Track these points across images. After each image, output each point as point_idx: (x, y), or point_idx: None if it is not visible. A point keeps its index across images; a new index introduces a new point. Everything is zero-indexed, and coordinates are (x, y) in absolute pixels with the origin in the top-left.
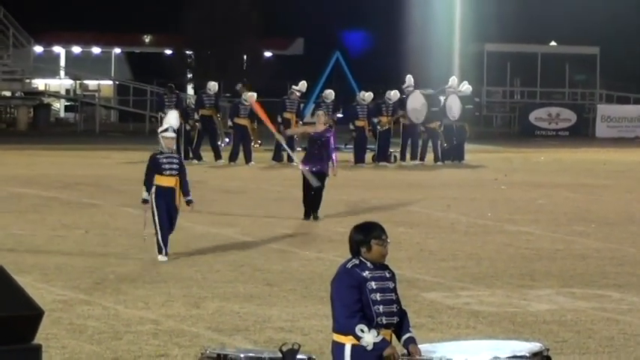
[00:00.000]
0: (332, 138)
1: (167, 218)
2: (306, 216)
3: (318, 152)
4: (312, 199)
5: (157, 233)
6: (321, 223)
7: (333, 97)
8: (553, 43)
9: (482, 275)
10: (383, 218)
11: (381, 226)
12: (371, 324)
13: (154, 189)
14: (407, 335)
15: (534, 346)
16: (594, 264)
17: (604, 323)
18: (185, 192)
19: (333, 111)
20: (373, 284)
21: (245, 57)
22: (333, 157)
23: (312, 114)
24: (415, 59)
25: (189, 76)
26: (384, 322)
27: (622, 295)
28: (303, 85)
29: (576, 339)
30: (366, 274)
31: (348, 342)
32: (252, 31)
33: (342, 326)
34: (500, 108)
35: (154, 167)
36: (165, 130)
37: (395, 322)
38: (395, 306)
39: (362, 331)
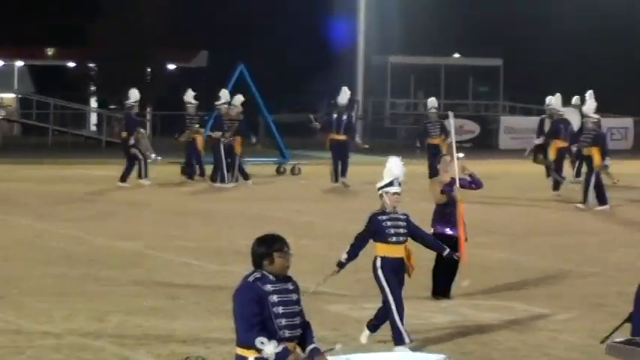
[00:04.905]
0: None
1: (401, 292)
2: (435, 293)
3: (449, 211)
4: (444, 274)
5: (394, 317)
6: (224, 235)
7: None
8: (456, 55)
9: None
10: (286, 230)
11: (283, 239)
12: (273, 337)
13: (379, 261)
14: (311, 346)
15: (438, 357)
16: (498, 275)
17: (508, 334)
18: (440, 249)
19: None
20: (275, 297)
21: (149, 69)
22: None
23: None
24: (320, 71)
25: (93, 88)
26: (287, 335)
27: (526, 306)
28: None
29: (481, 350)
30: (267, 287)
31: (251, 355)
32: (156, 44)
33: (243, 340)
34: (403, 120)
35: (376, 231)
36: (390, 184)
37: (298, 334)
38: (298, 318)
39: (262, 343)
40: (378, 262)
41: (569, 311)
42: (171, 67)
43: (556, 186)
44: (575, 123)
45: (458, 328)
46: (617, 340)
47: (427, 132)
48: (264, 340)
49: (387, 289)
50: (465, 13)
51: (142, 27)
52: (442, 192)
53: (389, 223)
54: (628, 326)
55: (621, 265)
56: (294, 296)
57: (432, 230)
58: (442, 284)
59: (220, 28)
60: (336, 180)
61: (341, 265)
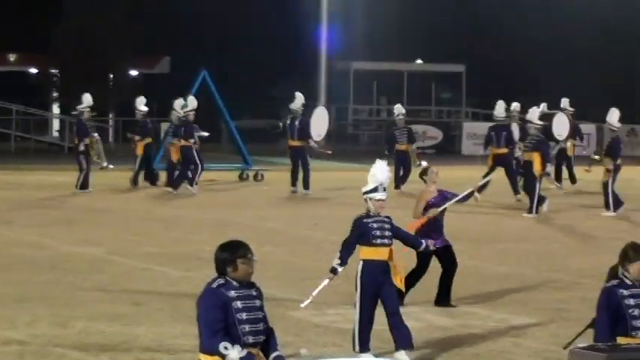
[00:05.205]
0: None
1: (373, 304)
2: (438, 302)
3: (437, 221)
4: (441, 283)
5: (355, 325)
6: (187, 241)
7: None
8: (419, 61)
9: (349, 293)
10: (249, 236)
11: (247, 245)
12: (237, 343)
13: (361, 265)
14: (275, 354)
15: None
16: (462, 281)
17: (471, 340)
18: (416, 243)
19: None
20: (239, 304)
21: (111, 76)
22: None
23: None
24: (283, 77)
25: (55, 95)
26: (251, 341)
27: (489, 312)
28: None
29: (444, 356)
30: (231, 293)
31: None
32: (118, 50)
33: (207, 346)
34: (366, 126)
35: (361, 234)
36: (374, 189)
37: (261, 340)
38: (262, 324)
39: (226, 348)
40: (360, 267)
41: (532, 317)
42: (134, 73)
43: (516, 190)
44: (565, 128)
45: (421, 333)
46: (580, 345)
47: (395, 138)
48: (228, 345)
49: (358, 298)
50: (427, 19)
51: (104, 33)
52: (425, 208)
53: (375, 225)
54: (591, 332)
55: (584, 271)
56: (257, 302)
57: None
58: (445, 293)
59: (183, 34)
60: (293, 184)
61: (334, 271)
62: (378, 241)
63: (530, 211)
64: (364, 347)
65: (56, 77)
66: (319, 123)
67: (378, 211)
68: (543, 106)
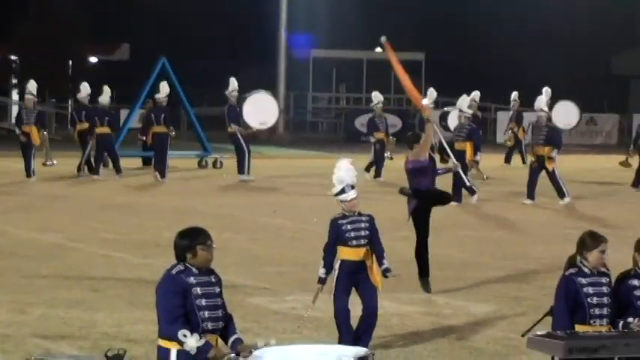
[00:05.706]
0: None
1: (347, 297)
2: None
3: (420, 179)
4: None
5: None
6: (146, 228)
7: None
8: (378, 49)
9: (308, 280)
10: (209, 223)
11: (207, 232)
12: (196, 329)
13: (338, 264)
14: (234, 337)
15: (360, 350)
16: None
17: (429, 327)
18: (379, 261)
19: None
20: (199, 290)
21: (70, 62)
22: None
23: (141, 121)
24: (243, 64)
25: (14, 81)
26: (210, 327)
27: (447, 299)
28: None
29: (402, 343)
30: (191, 280)
31: (173, 347)
32: (78, 37)
33: (166, 331)
34: (325, 114)
35: (337, 236)
36: (342, 191)
37: (220, 326)
38: (220, 311)
39: (184, 335)
40: (337, 266)
41: (490, 304)
42: (94, 60)
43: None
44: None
45: (378, 320)
46: (538, 333)
47: (377, 127)
48: (187, 332)
49: (333, 292)
50: (386, 6)
51: (63, 20)
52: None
53: (349, 227)
54: (549, 320)
55: (541, 259)
56: (216, 289)
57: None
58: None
59: (143, 21)
60: (239, 172)
61: (322, 281)
62: (354, 242)
63: (472, 194)
64: (346, 338)
65: (15, 64)
66: (263, 110)
67: (353, 210)
68: (515, 95)
